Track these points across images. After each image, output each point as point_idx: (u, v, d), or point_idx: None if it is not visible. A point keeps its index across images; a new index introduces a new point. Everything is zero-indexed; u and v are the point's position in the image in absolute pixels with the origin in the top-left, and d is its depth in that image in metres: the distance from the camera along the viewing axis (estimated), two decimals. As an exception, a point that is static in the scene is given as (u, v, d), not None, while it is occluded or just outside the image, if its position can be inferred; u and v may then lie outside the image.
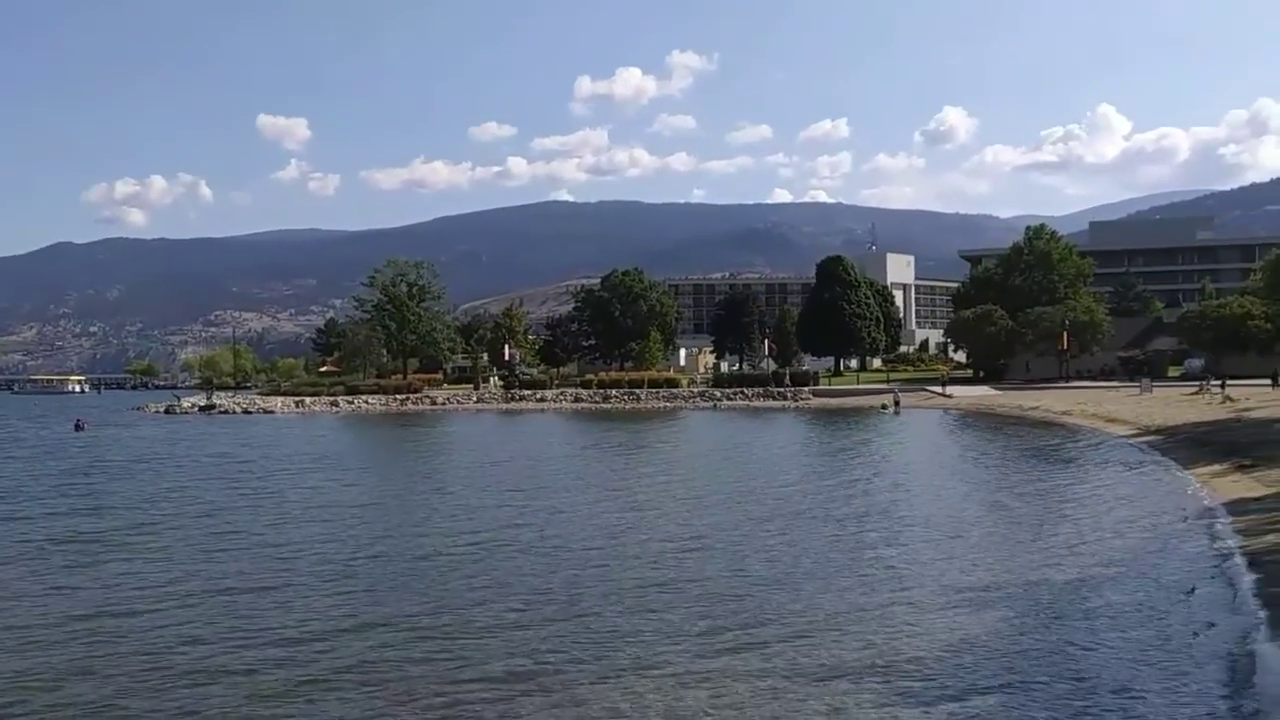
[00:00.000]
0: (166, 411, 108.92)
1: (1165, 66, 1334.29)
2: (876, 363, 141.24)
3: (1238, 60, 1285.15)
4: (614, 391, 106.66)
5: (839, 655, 16.37)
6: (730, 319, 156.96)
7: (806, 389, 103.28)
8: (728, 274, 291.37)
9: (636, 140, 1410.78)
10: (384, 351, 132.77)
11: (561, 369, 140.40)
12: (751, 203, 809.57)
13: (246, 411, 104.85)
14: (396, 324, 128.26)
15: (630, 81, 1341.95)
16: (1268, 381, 75.85)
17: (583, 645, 16.97)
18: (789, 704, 14.19)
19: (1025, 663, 15.87)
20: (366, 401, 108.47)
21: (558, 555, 24.90)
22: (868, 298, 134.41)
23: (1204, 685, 14.82)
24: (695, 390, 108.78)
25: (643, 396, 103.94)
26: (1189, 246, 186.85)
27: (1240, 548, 23.83)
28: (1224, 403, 61.30)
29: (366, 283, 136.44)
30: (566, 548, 25.95)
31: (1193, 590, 20.33)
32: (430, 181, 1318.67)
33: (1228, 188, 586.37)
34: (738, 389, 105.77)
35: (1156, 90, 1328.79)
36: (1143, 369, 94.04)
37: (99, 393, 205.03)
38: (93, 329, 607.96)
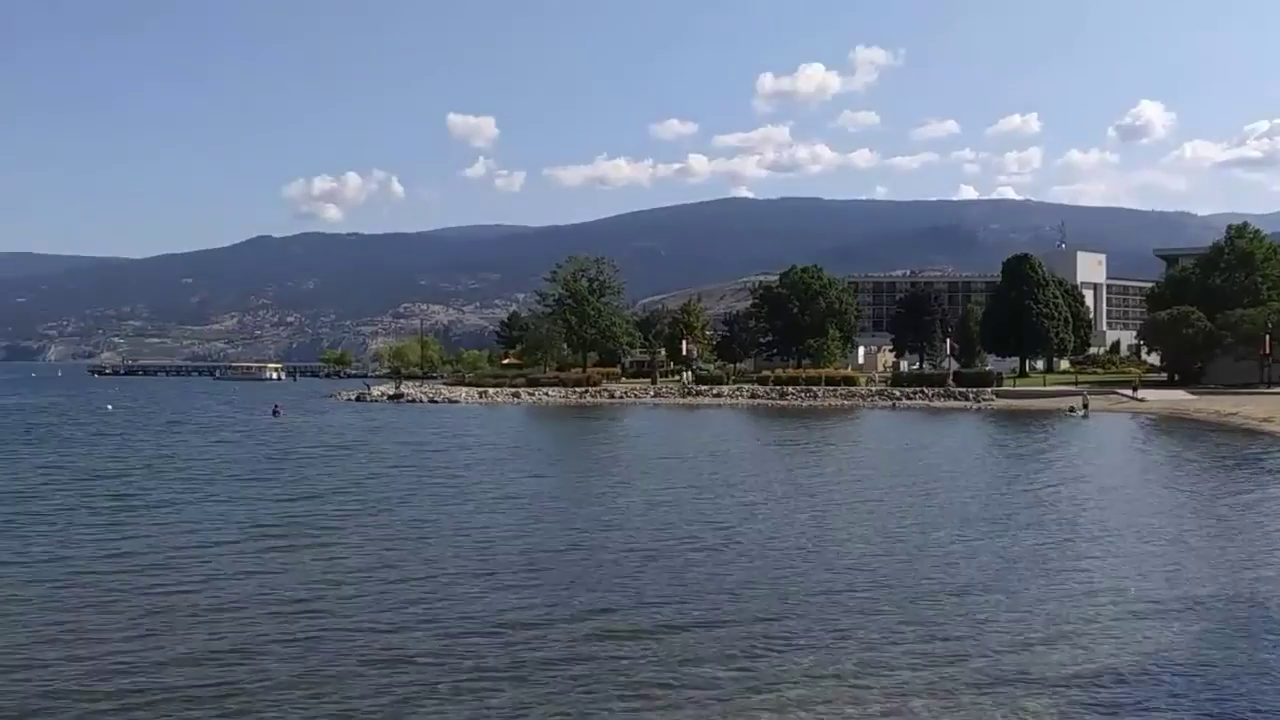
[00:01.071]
0: (357, 399, 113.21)
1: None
2: (1064, 364, 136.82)
3: None
4: (791, 388, 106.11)
5: (1044, 666, 16.15)
6: (910, 317, 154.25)
7: (989, 390, 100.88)
8: (909, 271, 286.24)
9: (818, 136, 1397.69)
10: (564, 345, 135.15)
11: (738, 365, 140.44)
12: (936, 199, 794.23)
13: (433, 401, 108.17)
14: (577, 318, 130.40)
15: (813, 78, 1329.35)
16: None
17: (795, 647, 17.17)
18: (1000, 713, 14.16)
19: (1225, 681, 15.42)
20: (547, 393, 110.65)
21: (751, 553, 25.11)
22: (1056, 297, 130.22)
23: None
24: (873, 389, 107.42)
25: (819, 394, 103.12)
26: None
27: None
28: None
29: (548, 278, 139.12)
30: (759, 546, 26.15)
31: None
32: (612, 178, 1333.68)
33: None
34: (917, 388, 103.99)
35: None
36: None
37: (294, 380, 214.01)
38: (289, 319, 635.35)
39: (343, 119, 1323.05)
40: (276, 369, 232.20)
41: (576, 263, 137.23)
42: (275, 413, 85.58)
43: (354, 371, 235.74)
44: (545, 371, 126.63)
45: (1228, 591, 21.14)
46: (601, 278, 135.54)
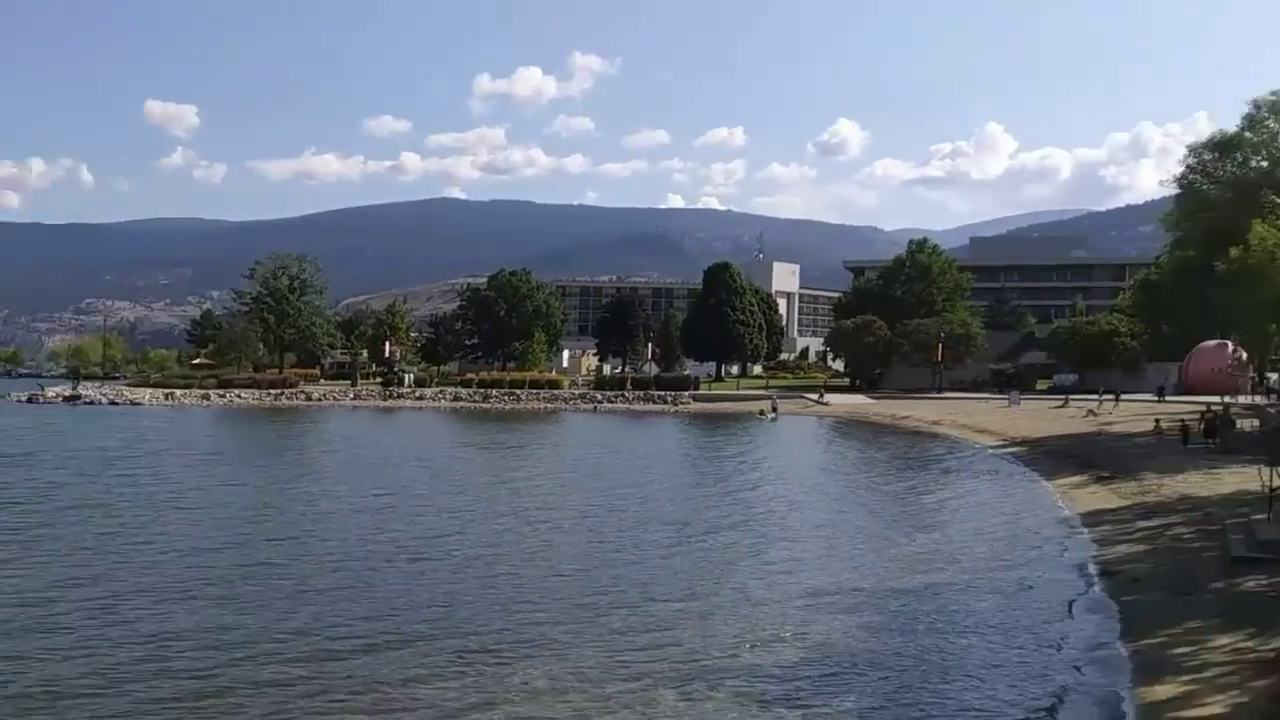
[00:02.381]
0: (29, 400, 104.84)
1: (1051, 88, 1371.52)
2: (757, 369, 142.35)
3: (1121, 84, 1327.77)
4: (494, 391, 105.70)
5: (703, 658, 16.33)
6: (615, 322, 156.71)
7: (687, 394, 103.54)
8: (615, 277, 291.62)
9: (534, 140, 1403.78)
10: (261, 345, 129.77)
11: (442, 368, 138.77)
12: (644, 207, 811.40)
13: (113, 402, 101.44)
14: (275, 318, 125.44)
15: (530, 81, 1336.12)
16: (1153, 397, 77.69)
17: (497, 659, 16.54)
18: (653, 706, 14.14)
19: (883, 667, 16.01)
20: (240, 395, 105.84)
21: (452, 563, 24.35)
22: (752, 305, 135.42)
23: (1059, 687, 15.00)
24: (576, 392, 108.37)
25: (523, 397, 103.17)
26: (1064, 264, 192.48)
27: (1094, 557, 24.33)
28: (1087, 416, 62.91)
29: (246, 275, 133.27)
30: (460, 555, 25.46)
31: (1050, 601, 20.60)
32: (320, 174, 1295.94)
33: (1105, 208, 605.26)
34: (619, 392, 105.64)
35: (1042, 111, 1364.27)
36: (1012, 382, 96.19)
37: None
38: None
39: (27, 100, 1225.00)
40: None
41: (277, 260, 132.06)
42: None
43: (27, 371, 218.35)
44: (239, 373, 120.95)
45: (906, 584, 22.11)
46: (303, 276, 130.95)
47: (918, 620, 18.90)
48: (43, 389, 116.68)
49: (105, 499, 33.59)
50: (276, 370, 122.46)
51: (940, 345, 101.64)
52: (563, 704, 14.28)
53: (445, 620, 18.58)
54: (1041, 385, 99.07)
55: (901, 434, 66.92)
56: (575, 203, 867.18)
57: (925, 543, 27.38)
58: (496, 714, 13.87)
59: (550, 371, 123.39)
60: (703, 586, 21.74)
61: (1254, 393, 76.89)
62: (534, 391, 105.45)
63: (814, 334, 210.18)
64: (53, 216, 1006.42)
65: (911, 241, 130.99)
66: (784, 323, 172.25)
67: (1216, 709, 13.30)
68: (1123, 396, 74.09)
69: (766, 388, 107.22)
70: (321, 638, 17.29)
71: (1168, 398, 76.98)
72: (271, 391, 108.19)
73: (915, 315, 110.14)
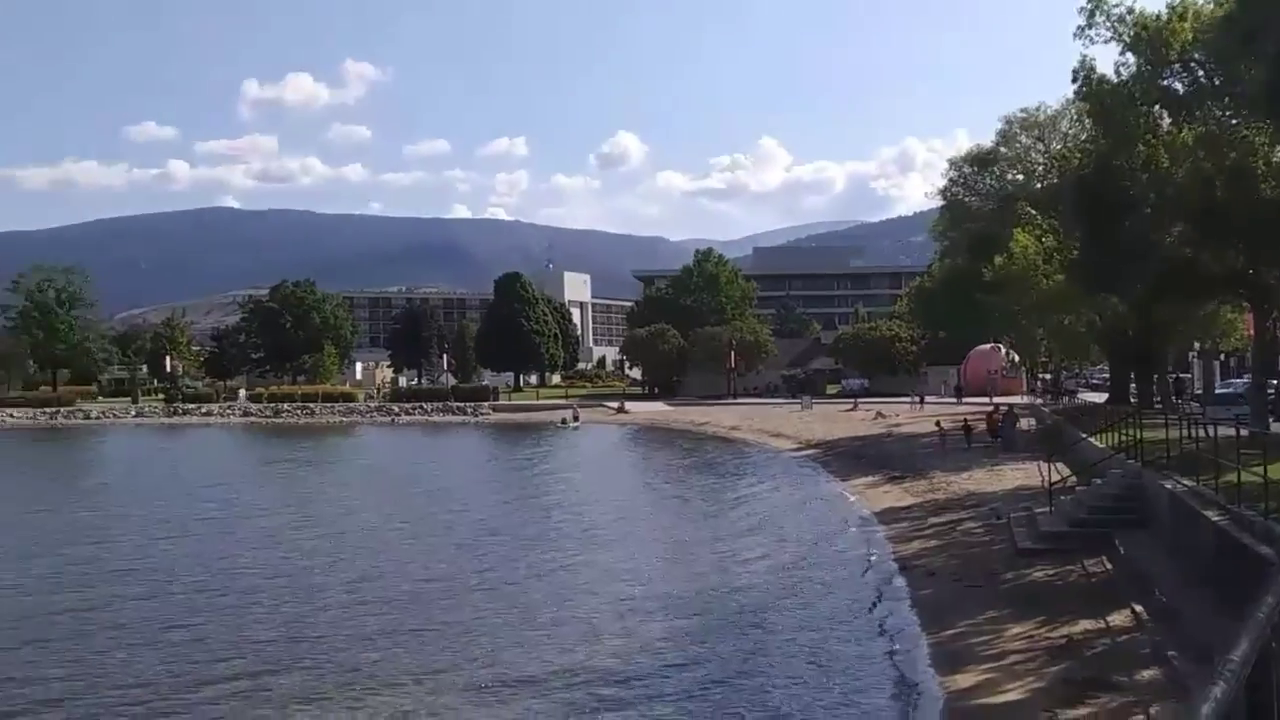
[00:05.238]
0: None
1: (821, 104, 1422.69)
2: (556, 379, 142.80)
3: (887, 101, 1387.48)
4: (286, 406, 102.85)
5: (522, 667, 16.65)
6: (408, 333, 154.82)
7: (486, 404, 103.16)
8: (405, 288, 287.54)
9: (309, 148, 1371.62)
10: (30, 362, 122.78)
11: (228, 382, 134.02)
12: (429, 217, 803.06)
13: None
14: (44, 333, 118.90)
15: (302, 88, 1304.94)
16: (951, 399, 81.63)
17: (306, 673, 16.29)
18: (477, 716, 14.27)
19: (695, 668, 16.68)
20: (11, 415, 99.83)
21: (245, 588, 23.93)
22: (546, 315, 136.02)
23: (865, 680, 15.97)
24: (373, 405, 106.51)
25: (317, 411, 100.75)
26: (843, 273, 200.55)
27: (891, 554, 25.72)
28: (876, 419, 65.85)
29: (9, 288, 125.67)
30: (260, 580, 24.93)
31: (851, 597, 21.77)
32: (82, 182, 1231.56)
33: (878, 219, 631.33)
34: (416, 404, 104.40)
35: (814, 126, 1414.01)
36: (804, 387, 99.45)
37: None
38: None
39: None
40: None
41: (42, 272, 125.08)
42: None
43: None
44: (9, 391, 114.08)
45: (714, 586, 22.91)
46: (72, 289, 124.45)
47: (726, 622, 19.65)
48: None
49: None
50: (50, 388, 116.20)
51: (732, 352, 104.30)
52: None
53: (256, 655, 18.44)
54: (831, 389, 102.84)
55: (701, 440, 68.41)
56: (358, 212, 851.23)
57: (730, 546, 28.32)
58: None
59: (344, 384, 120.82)
60: (515, 597, 22.10)
61: (1029, 392, 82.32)
62: (328, 405, 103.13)
63: (609, 343, 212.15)
64: None
65: (698, 251, 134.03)
66: (579, 332, 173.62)
67: (1016, 694, 14.27)
68: (901, 400, 78.14)
69: (566, 397, 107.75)
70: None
71: (944, 399, 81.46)
72: (46, 410, 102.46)
73: (706, 323, 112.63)
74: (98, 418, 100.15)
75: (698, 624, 19.58)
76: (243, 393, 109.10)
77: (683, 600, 21.65)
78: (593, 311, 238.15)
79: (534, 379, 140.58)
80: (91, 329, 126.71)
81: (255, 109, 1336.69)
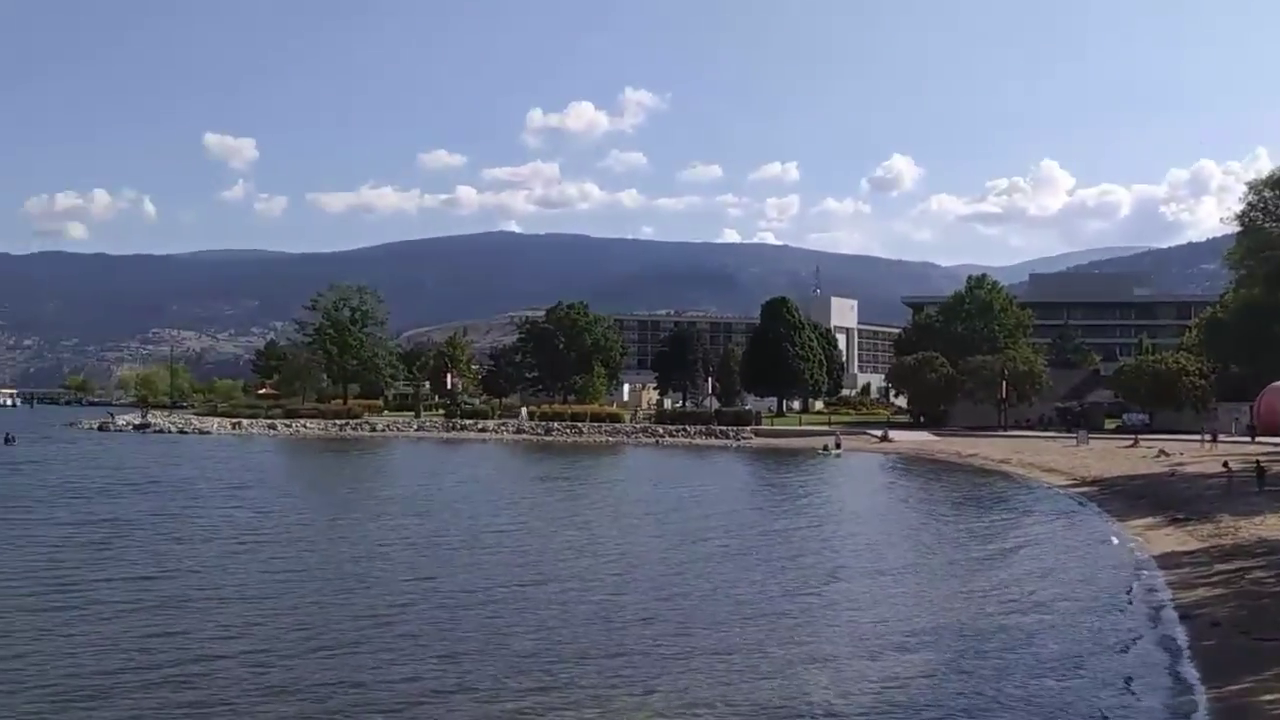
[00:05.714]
0: (100, 428, 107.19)
1: (1109, 125, 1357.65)
2: (819, 405, 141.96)
3: (1181, 121, 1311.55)
4: (556, 424, 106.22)
5: (769, 697, 16.49)
6: (675, 356, 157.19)
7: (748, 428, 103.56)
8: (673, 311, 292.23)
9: (587, 175, 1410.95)
10: (324, 376, 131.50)
11: (503, 399, 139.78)
12: (700, 241, 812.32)
13: (182, 431, 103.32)
14: (337, 348, 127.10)
15: (583, 115, 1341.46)
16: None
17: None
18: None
19: (953, 709, 16.07)
20: (305, 425, 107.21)
21: (534, 600, 24.79)
22: (811, 340, 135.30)
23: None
24: (638, 426, 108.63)
25: (585, 430, 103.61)
26: (1127, 302, 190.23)
27: (1172, 600, 24.18)
28: (1159, 456, 62.26)
29: (309, 306, 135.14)
30: (544, 593, 25.83)
31: (1128, 645, 20.59)
32: (378, 207, 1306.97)
33: (1167, 245, 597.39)
34: (680, 426, 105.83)
35: (1100, 147, 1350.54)
36: (1079, 421, 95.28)
37: (31, 407, 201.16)
38: (26, 342, 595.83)
39: (91, 133, 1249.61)
40: (10, 394, 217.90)
41: (338, 291, 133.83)
42: (8, 440, 79.78)
43: (97, 399, 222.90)
44: (304, 403, 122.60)
45: (978, 624, 22.12)
46: (364, 307, 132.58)
47: (987, 661, 18.92)
48: (112, 417, 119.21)
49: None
50: (341, 401, 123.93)
51: (1004, 382, 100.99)
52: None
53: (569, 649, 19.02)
54: (1109, 424, 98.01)
55: (968, 472, 66.49)
56: (630, 236, 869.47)
57: (996, 582, 27.31)
58: None
59: (611, 405, 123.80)
60: (771, 622, 21.97)
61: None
62: (595, 425, 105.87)
63: (874, 370, 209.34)
64: (118, 248, 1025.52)
65: (970, 277, 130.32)
66: (844, 358, 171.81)
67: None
68: (1187, 437, 73.38)
69: (829, 424, 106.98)
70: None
71: (1236, 438, 76.03)
72: (336, 422, 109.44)
73: (977, 352, 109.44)
74: (382, 430, 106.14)
75: (954, 660, 18.94)
76: (524, 410, 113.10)
77: (941, 634, 21.00)
78: (859, 337, 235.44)
79: (797, 405, 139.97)
80: (381, 346, 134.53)
81: (539, 136, 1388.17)
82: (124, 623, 20.63)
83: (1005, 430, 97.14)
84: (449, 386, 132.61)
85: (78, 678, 16.60)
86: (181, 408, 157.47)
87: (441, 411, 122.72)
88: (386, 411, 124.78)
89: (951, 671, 18.27)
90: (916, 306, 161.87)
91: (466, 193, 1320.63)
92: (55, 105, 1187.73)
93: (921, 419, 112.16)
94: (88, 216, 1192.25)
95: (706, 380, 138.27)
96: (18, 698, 15.63)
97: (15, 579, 24.84)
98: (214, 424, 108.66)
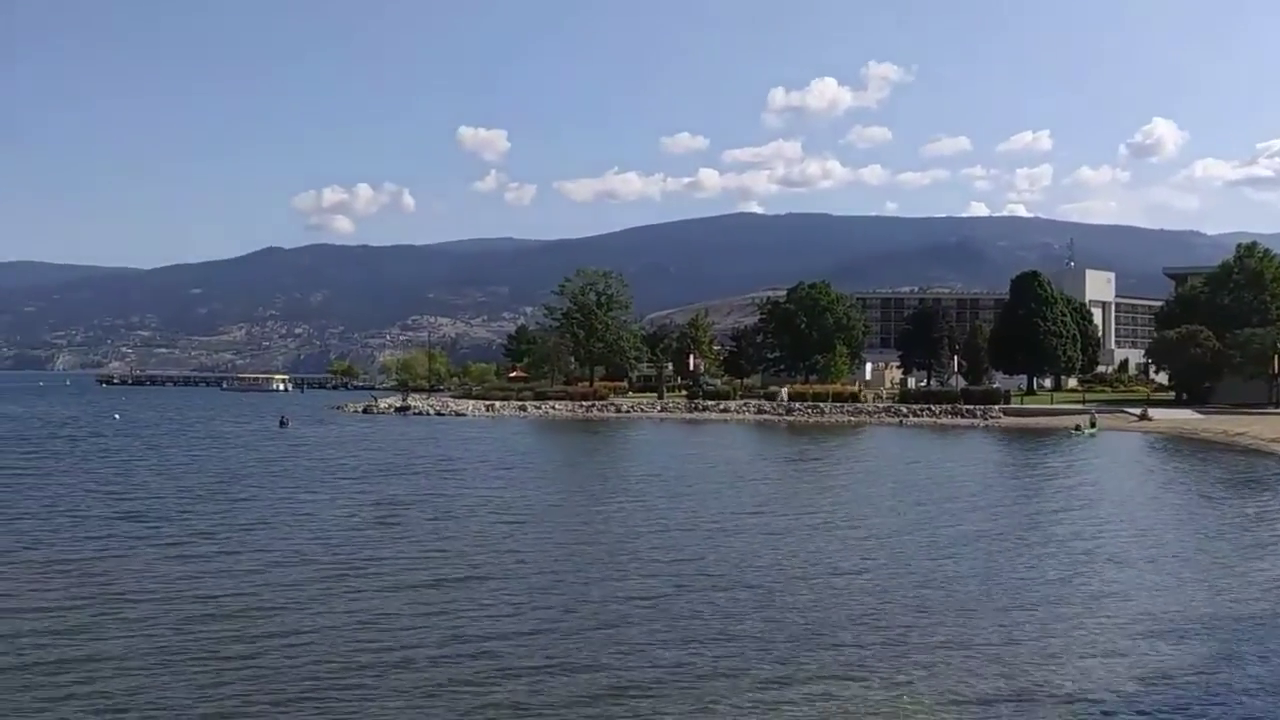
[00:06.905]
0: (364, 411, 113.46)
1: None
2: (1072, 382, 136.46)
3: None
4: (797, 404, 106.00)
5: (1037, 679, 16.32)
6: (918, 334, 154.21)
7: (997, 407, 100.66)
8: (917, 288, 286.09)
9: (829, 152, 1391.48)
10: (571, 359, 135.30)
11: (745, 380, 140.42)
12: (945, 216, 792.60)
13: (439, 414, 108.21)
14: (584, 332, 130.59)
15: (825, 93, 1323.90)
16: None
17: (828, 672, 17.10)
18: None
19: (1236, 698, 15.45)
20: (553, 407, 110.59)
21: (785, 585, 25.23)
22: (1064, 315, 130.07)
23: None
24: (881, 405, 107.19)
25: (827, 410, 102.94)
26: None
27: None
28: None
29: (557, 291, 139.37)
30: (792, 575, 26.21)
31: None
32: (622, 192, 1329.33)
33: None
34: (924, 405, 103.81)
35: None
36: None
37: (301, 391, 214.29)
38: (298, 330, 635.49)
39: (354, 131, 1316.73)
40: (283, 380, 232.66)
41: (585, 276, 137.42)
42: (282, 423, 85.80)
43: (361, 384, 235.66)
44: (552, 385, 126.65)
45: (1241, 611, 21.12)
46: (610, 292, 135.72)
47: (1272, 654, 18.09)
48: (375, 400, 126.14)
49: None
50: (587, 383, 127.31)
51: (1277, 357, 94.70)
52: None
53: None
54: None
55: (1236, 452, 62.86)
56: (873, 214, 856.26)
57: (1274, 571, 25.90)
58: None
59: (853, 384, 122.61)
60: (1038, 607, 21.51)
61: None
62: (838, 404, 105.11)
63: (1133, 345, 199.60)
64: (380, 239, 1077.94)
65: (1240, 245, 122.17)
66: (1099, 334, 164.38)
67: None
68: None
69: (1083, 402, 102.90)
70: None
71: None
72: (583, 403, 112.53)
73: (1246, 324, 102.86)
74: (627, 411, 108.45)
75: (1230, 649, 18.18)
76: (784, 391, 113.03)
77: (1218, 621, 20.11)
78: (1116, 311, 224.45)
79: (1048, 382, 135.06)
80: (625, 329, 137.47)
81: (780, 116, 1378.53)
82: (408, 597, 21.82)
83: (1278, 408, 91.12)
84: (691, 368, 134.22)
85: (366, 652, 17.72)
86: (438, 391, 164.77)
87: (684, 393, 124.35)
88: (631, 393, 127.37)
89: (1225, 658, 17.59)
90: (1179, 278, 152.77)
91: (708, 175, 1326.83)
92: (316, 105, 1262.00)
93: (1184, 396, 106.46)
94: (352, 210, 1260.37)
95: (952, 358, 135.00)
96: (321, 667, 16.82)
97: (310, 555, 26.68)
98: (469, 406, 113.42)
